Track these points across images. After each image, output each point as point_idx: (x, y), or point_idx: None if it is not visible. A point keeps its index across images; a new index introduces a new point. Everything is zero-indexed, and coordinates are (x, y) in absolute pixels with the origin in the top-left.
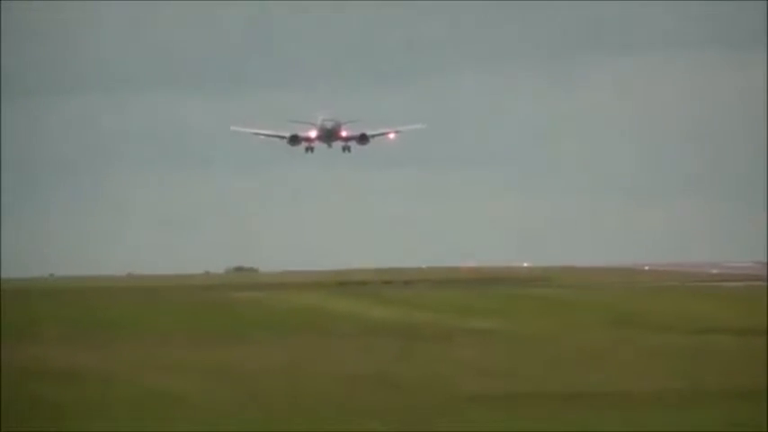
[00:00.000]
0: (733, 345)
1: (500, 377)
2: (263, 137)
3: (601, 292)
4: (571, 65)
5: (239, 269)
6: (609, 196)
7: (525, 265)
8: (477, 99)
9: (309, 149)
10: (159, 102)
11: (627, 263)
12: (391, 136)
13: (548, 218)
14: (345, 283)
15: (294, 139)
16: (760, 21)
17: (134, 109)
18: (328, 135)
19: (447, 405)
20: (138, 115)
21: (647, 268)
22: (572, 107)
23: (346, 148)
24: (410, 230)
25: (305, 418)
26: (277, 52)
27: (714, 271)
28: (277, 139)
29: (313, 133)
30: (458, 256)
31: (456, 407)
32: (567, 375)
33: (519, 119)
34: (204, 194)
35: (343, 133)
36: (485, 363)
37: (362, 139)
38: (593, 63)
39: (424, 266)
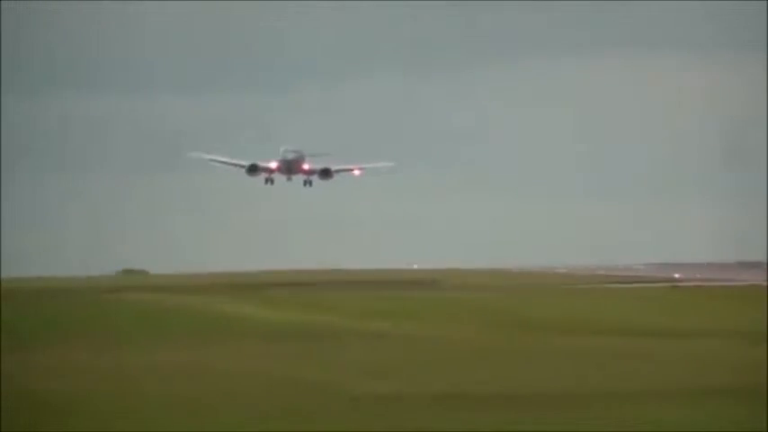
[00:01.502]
0: (624, 346)
1: (392, 378)
2: (220, 164)
3: (492, 294)
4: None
5: (128, 271)
6: (521, 198)
7: (415, 266)
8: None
9: (269, 181)
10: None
11: (518, 264)
12: (356, 172)
13: (444, 219)
14: (240, 286)
15: (253, 169)
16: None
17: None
18: (289, 167)
19: (339, 405)
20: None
21: (533, 270)
22: (493, 107)
23: (308, 182)
24: (303, 233)
25: (199, 418)
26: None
27: (602, 273)
28: (235, 168)
29: (273, 164)
30: (354, 258)
31: (346, 407)
32: (455, 376)
33: (417, 121)
34: (93, 197)
35: (306, 166)
36: (378, 364)
37: (325, 173)
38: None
39: (319, 269)
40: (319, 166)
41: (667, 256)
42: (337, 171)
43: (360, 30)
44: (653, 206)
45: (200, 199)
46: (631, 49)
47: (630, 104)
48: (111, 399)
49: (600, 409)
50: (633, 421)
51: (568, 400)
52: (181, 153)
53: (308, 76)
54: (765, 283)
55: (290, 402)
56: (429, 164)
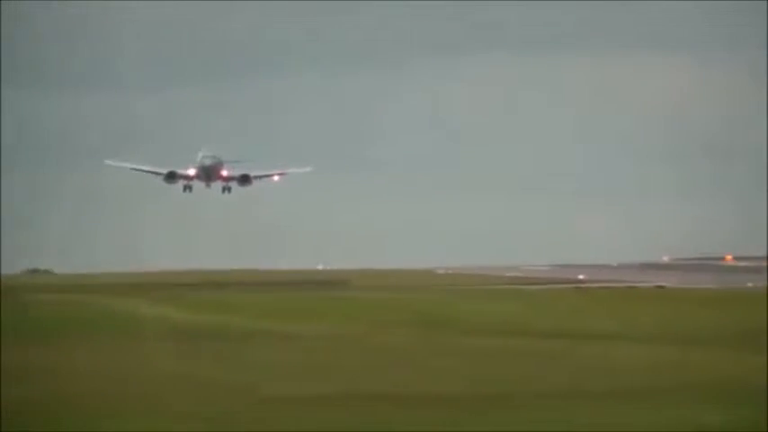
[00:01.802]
0: (533, 346)
1: (301, 379)
2: (138, 172)
3: (399, 295)
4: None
5: (34, 271)
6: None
7: (320, 267)
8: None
9: (187, 188)
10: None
11: (425, 265)
12: (276, 178)
13: (344, 222)
14: (152, 285)
15: (171, 176)
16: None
17: None
18: (207, 173)
19: (252, 407)
20: None
21: (440, 271)
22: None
23: (226, 189)
24: (213, 233)
25: (109, 419)
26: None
27: (510, 274)
28: (152, 175)
29: (191, 171)
30: (263, 258)
31: (260, 408)
32: (370, 377)
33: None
34: None
35: (224, 173)
36: (287, 365)
37: (244, 180)
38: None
39: (230, 269)
40: (238, 173)
41: (572, 257)
42: (257, 177)
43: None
44: (565, 207)
45: (113, 198)
46: (592, 44)
47: (553, 102)
48: (20, 400)
49: (498, 410)
50: (530, 422)
51: (467, 400)
52: (85, 152)
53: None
54: (667, 285)
55: (199, 403)
56: (346, 165)
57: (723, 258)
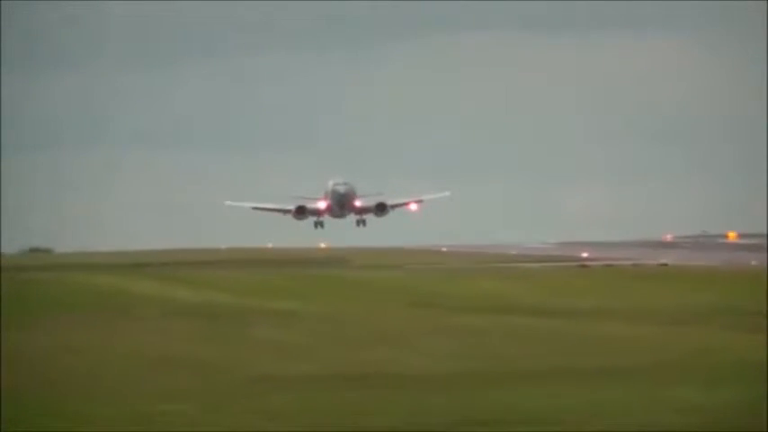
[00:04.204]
0: (530, 324)
1: (299, 358)
2: (263, 211)
3: (398, 273)
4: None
5: (35, 250)
6: (409, 179)
7: (322, 246)
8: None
9: (319, 224)
10: None
11: (426, 244)
12: (413, 207)
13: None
14: (145, 264)
15: (301, 212)
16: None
17: None
18: (340, 202)
19: (245, 386)
20: None
21: (444, 249)
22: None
23: (361, 222)
24: (206, 212)
25: (98, 397)
26: None
27: (513, 252)
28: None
29: (322, 203)
30: (258, 237)
31: (254, 388)
32: (365, 356)
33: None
34: None
35: (358, 203)
36: (284, 344)
37: (380, 209)
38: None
39: (223, 247)
40: (372, 202)
41: (576, 235)
42: (393, 206)
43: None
44: (568, 185)
45: (104, 177)
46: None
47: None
48: (10, 378)
49: (503, 388)
50: (531, 401)
51: (476, 378)
52: (72, 132)
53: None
54: (669, 263)
55: (189, 382)
56: (348, 143)
57: (726, 236)
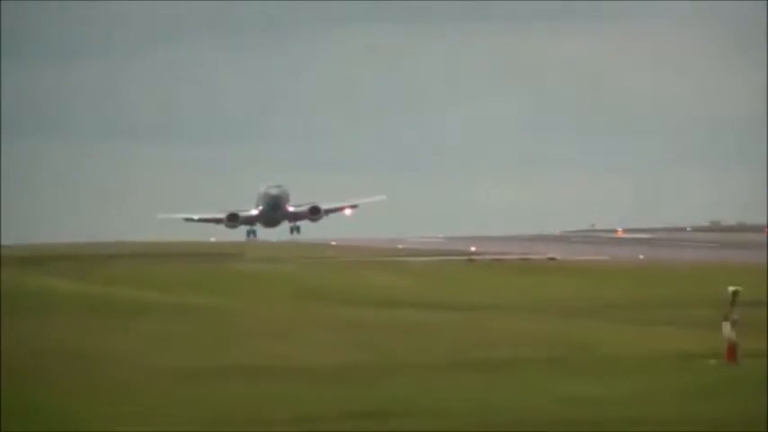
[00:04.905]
0: (419, 318)
1: (188, 350)
2: (195, 222)
3: (289, 267)
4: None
5: None
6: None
7: (212, 240)
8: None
9: (251, 233)
10: None
11: (320, 237)
12: (348, 212)
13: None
14: (48, 258)
15: (233, 219)
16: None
17: None
18: (273, 206)
19: (136, 378)
20: None
21: (334, 243)
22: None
23: (295, 229)
24: (101, 203)
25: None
26: None
27: (401, 246)
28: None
29: (254, 211)
30: (154, 230)
31: (144, 380)
32: (254, 348)
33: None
34: None
35: (291, 208)
36: (173, 336)
37: (314, 213)
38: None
39: (124, 240)
40: (306, 206)
41: (465, 229)
42: (328, 211)
43: None
44: (457, 179)
45: (12, 168)
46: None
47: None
48: None
49: (391, 381)
50: (419, 393)
51: (365, 371)
52: None
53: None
54: (558, 258)
55: (93, 377)
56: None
57: (615, 231)
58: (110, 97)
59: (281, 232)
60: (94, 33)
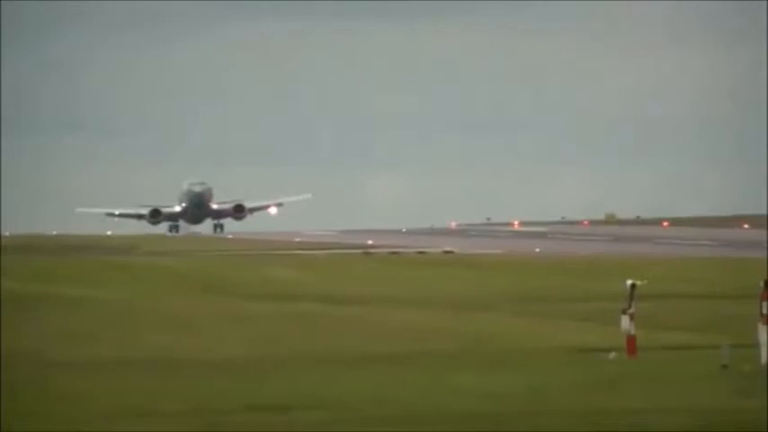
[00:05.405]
0: (317, 311)
1: (86, 343)
2: (117, 217)
3: (185, 260)
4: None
5: None
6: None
7: (108, 233)
8: None
9: (174, 228)
10: None
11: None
12: (272, 210)
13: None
14: None
15: (156, 215)
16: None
17: None
18: (197, 203)
19: (34, 372)
20: None
21: (230, 236)
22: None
23: (218, 227)
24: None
25: None
26: None
27: (297, 239)
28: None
29: (177, 207)
30: (43, 223)
31: (42, 373)
32: (152, 341)
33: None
34: None
35: (215, 206)
36: (70, 330)
37: (238, 211)
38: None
39: (7, 234)
40: (230, 204)
41: (361, 223)
42: (252, 209)
43: None
44: (353, 174)
45: None
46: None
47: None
48: None
49: (290, 374)
50: (318, 385)
51: (264, 363)
52: None
53: None
54: (453, 251)
55: None
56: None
57: (511, 224)
58: (28, 89)
59: (203, 228)
60: None
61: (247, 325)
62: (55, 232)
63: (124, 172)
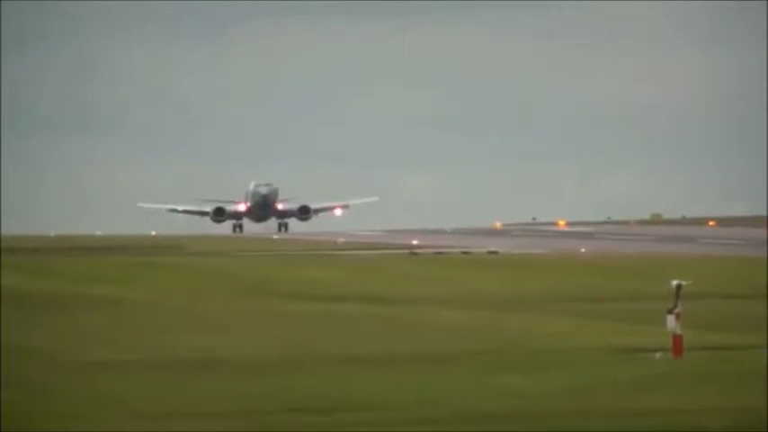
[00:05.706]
0: (361, 311)
1: (124, 344)
2: (180, 213)
3: (229, 260)
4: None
5: None
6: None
7: (153, 233)
8: None
9: (237, 227)
10: None
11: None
12: (338, 212)
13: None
14: None
15: (219, 213)
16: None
17: None
18: (262, 205)
19: (73, 372)
20: None
21: (275, 237)
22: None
23: (283, 226)
24: (39, 197)
25: None
26: None
27: (341, 240)
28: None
29: (242, 206)
30: (87, 224)
31: (81, 374)
32: (190, 342)
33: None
34: None
35: (280, 206)
36: (110, 331)
37: (304, 212)
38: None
39: (52, 234)
40: (295, 205)
41: (406, 223)
42: (317, 210)
43: None
44: (396, 173)
45: None
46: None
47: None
48: None
49: (331, 375)
50: (360, 386)
51: (305, 365)
52: None
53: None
54: (495, 251)
55: (15, 370)
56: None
57: (556, 224)
58: (77, 90)
59: (267, 227)
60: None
61: (290, 325)
62: (99, 232)
63: (193, 170)
